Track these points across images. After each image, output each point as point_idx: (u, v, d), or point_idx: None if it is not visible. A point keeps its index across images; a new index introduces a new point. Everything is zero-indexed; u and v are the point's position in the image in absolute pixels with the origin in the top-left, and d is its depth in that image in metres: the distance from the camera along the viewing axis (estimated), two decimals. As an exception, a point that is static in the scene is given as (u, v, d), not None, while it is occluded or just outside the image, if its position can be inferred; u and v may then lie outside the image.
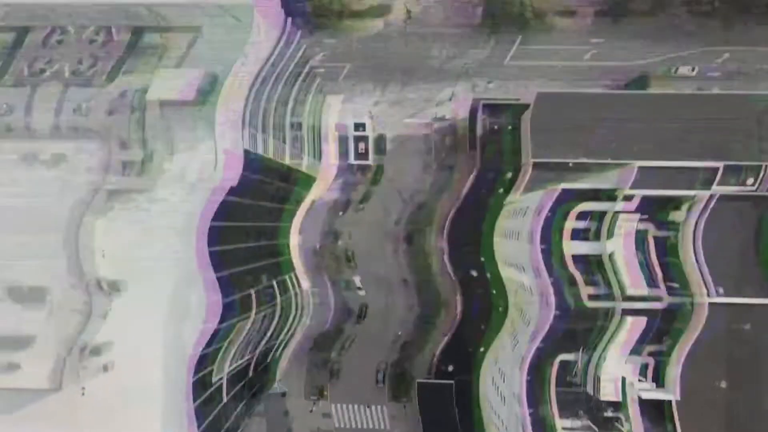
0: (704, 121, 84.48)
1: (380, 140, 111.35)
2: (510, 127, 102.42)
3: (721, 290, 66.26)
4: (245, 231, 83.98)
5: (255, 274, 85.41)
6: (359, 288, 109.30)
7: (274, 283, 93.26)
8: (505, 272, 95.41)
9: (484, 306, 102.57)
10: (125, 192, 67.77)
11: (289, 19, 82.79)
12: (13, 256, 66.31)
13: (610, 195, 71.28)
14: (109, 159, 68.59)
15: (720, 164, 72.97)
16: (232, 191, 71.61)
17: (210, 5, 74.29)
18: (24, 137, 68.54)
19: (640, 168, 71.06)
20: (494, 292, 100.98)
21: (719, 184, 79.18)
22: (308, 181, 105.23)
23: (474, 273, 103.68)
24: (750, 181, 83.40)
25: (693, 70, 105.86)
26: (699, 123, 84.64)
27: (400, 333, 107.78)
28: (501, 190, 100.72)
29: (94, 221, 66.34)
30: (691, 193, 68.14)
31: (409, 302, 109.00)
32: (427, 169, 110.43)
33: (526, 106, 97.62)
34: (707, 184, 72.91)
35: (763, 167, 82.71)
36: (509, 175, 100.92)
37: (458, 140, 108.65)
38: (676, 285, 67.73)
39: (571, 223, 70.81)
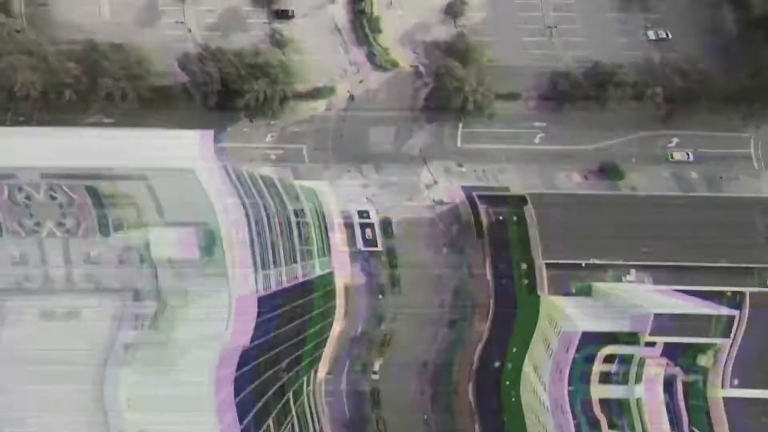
0: (711, 224, 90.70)
1: (387, 224, 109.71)
2: (515, 218, 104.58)
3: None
4: (267, 362, 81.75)
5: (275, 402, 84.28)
6: (374, 372, 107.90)
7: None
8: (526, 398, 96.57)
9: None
10: (143, 344, 67.59)
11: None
12: (40, 408, 66.99)
13: (632, 339, 76.64)
14: (123, 311, 67.87)
15: (735, 312, 76.55)
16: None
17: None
18: (40, 290, 68.42)
19: (656, 315, 76.16)
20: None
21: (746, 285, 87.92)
22: (327, 278, 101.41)
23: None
24: None
25: (688, 156, 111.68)
26: (708, 225, 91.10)
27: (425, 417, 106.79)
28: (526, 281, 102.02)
29: (117, 372, 66.64)
30: (712, 341, 74.17)
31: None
32: (439, 252, 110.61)
33: (522, 197, 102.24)
34: (726, 330, 75.41)
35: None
36: (524, 266, 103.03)
37: (463, 225, 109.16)
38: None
39: (599, 367, 75.36)
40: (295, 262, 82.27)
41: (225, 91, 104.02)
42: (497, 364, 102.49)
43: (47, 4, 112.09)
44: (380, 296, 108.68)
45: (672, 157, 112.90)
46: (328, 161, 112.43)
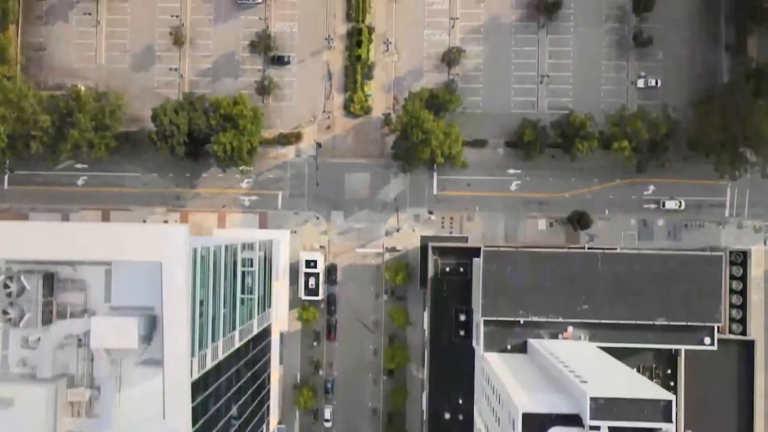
0: (655, 280, 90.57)
1: (332, 271, 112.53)
2: (461, 269, 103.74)
3: None
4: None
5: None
6: (327, 420, 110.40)
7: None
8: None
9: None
10: (80, 432, 67.02)
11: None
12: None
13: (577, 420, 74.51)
14: (57, 398, 67.00)
15: (672, 397, 75.15)
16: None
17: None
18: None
19: (593, 398, 73.69)
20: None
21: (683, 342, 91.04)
22: (264, 330, 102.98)
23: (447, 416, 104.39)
24: (707, 340, 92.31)
25: (680, 205, 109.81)
26: (651, 281, 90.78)
27: None
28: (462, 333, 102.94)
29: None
30: (655, 425, 71.74)
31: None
32: (379, 299, 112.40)
33: (477, 249, 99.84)
34: (667, 413, 71.83)
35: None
36: (462, 317, 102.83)
37: (409, 273, 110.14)
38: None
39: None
40: (235, 328, 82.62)
41: (194, 141, 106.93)
42: (447, 415, 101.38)
43: (44, 48, 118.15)
44: (315, 343, 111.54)
45: (664, 206, 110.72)
46: (301, 208, 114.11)
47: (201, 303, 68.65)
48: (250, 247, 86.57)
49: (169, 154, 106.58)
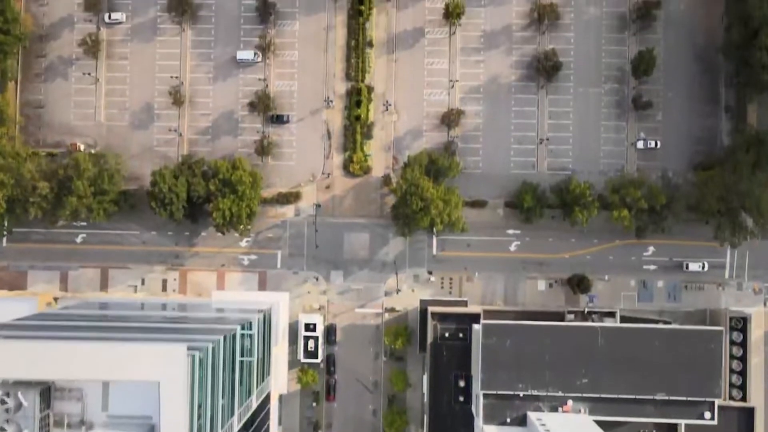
0: (654, 354, 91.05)
1: (331, 331, 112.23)
2: (460, 335, 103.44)
3: None
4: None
5: None
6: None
7: None
8: None
9: None
10: None
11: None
12: None
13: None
14: None
15: None
16: None
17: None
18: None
19: None
20: None
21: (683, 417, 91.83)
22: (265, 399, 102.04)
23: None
24: (707, 415, 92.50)
25: (703, 267, 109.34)
26: (650, 355, 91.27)
27: None
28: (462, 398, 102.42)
29: None
30: None
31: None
32: (378, 360, 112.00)
33: (476, 315, 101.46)
34: None
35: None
36: (462, 384, 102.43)
37: (409, 335, 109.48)
38: None
39: None
40: (233, 413, 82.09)
41: (193, 204, 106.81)
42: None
43: (43, 106, 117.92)
44: (314, 404, 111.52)
45: (687, 268, 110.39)
46: (300, 267, 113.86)
47: (199, 406, 68.33)
48: (249, 326, 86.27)
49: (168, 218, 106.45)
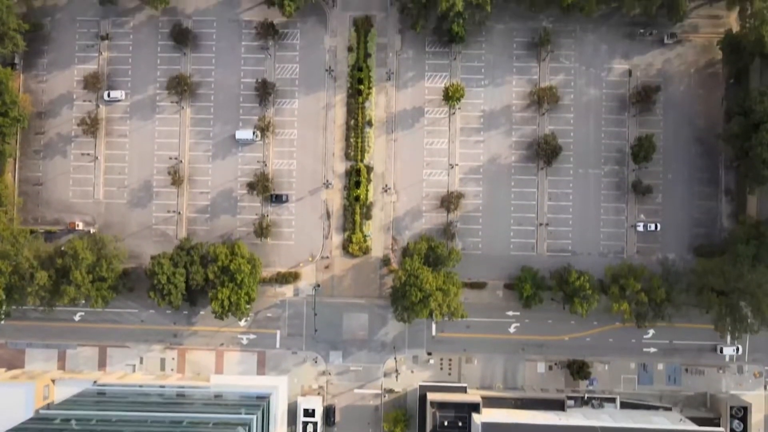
0: None
1: (330, 411, 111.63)
2: (460, 423, 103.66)
3: None
4: None
5: None
6: None
7: None
8: None
9: None
10: None
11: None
12: None
13: None
14: None
15: None
16: None
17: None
18: None
19: None
20: None
21: None
22: None
23: None
24: None
25: (737, 350, 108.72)
26: None
27: None
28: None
29: None
30: None
31: None
32: None
33: (476, 404, 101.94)
34: None
35: None
36: None
37: (408, 420, 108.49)
38: None
39: None
40: None
41: (191, 290, 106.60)
42: None
43: (41, 183, 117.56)
44: None
45: (722, 351, 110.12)
46: (299, 347, 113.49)
47: None
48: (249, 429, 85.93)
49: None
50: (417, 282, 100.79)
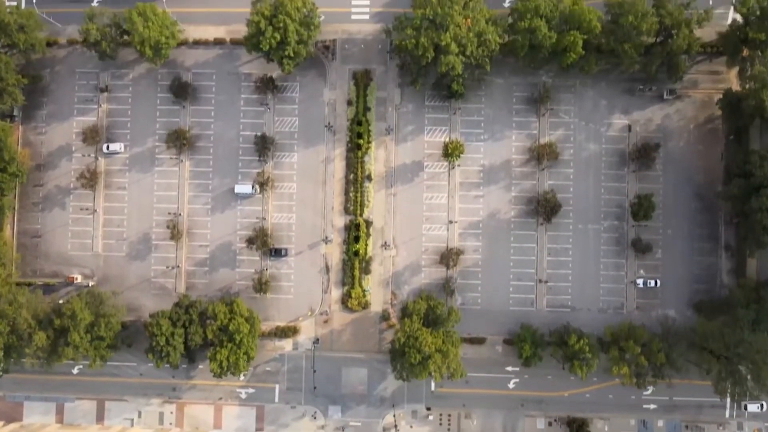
0: None
1: None
2: None
3: None
4: None
5: None
6: None
7: None
8: None
9: None
10: None
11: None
12: None
13: None
14: None
15: None
16: None
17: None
18: None
19: None
20: None
21: None
22: None
23: None
24: None
25: (762, 408, 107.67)
26: None
27: None
28: None
29: None
30: None
31: None
32: None
33: None
34: None
35: None
36: None
37: None
38: None
39: None
40: None
41: (190, 349, 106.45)
42: None
43: (40, 236, 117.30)
44: None
45: (746, 408, 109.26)
46: (298, 401, 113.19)
47: None
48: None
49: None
50: (416, 344, 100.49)
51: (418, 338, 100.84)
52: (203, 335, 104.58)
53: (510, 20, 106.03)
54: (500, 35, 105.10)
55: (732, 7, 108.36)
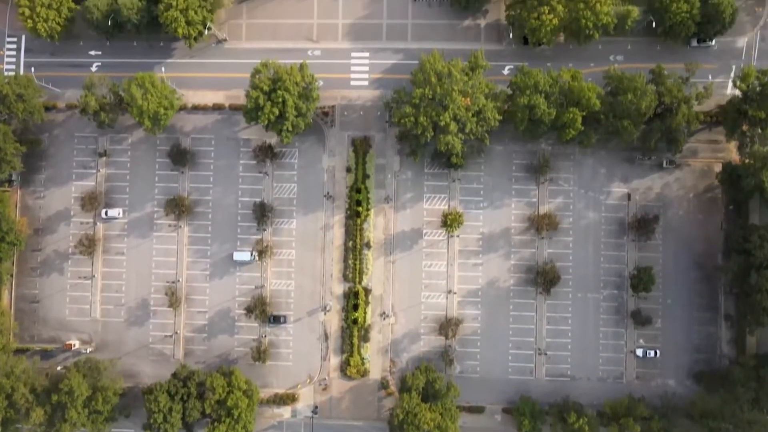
0: None
1: None
2: None
3: None
4: None
5: None
6: None
7: None
8: None
9: None
10: None
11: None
12: None
13: None
14: None
15: None
16: None
17: None
18: None
19: None
20: None
21: None
22: None
23: None
24: None
25: None
26: None
27: None
28: None
29: None
30: None
31: None
32: None
33: None
34: None
35: None
36: None
37: None
38: None
39: None
40: None
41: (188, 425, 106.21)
42: None
43: (38, 301, 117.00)
44: None
45: None
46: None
47: None
48: None
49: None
50: (415, 420, 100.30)
51: (416, 415, 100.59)
52: (201, 410, 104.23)
53: (510, 91, 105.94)
54: (499, 110, 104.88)
55: (731, 82, 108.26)
